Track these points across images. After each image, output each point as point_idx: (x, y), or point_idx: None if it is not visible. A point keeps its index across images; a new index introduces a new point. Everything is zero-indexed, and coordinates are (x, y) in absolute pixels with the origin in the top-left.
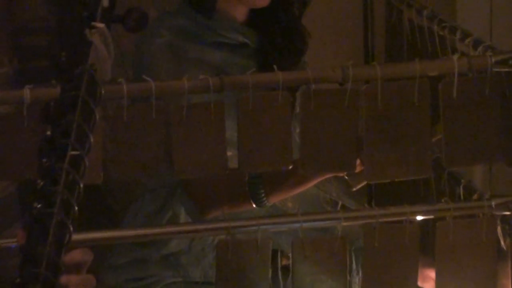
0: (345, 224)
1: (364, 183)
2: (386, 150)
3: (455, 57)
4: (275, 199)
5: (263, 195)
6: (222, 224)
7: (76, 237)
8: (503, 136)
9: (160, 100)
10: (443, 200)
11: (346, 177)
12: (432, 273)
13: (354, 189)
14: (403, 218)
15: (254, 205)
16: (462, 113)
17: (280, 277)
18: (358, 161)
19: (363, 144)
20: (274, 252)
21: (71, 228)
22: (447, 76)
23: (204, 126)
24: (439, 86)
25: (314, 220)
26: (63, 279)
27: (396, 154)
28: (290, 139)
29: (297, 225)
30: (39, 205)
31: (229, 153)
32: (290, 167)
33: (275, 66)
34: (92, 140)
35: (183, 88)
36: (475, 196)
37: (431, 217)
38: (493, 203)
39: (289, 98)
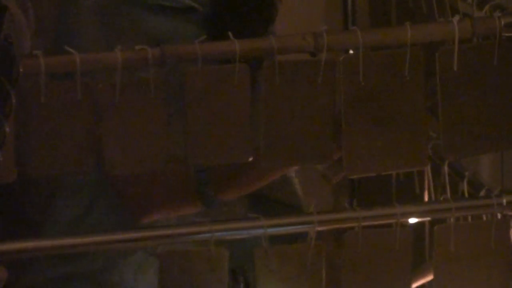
0: (320, 229)
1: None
2: (370, 136)
3: (456, 19)
4: (226, 198)
5: (212, 193)
6: (165, 231)
7: None
8: None
9: (87, 77)
10: (442, 198)
11: (320, 168)
12: None
13: (334, 182)
14: (393, 220)
15: (202, 206)
16: (464, 90)
17: None
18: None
19: (342, 129)
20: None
21: None
22: (445, 44)
23: (141, 109)
24: (436, 56)
25: (282, 225)
26: None
27: (383, 141)
28: (250, 124)
29: (260, 231)
30: None
31: None
32: (250, 159)
33: (230, 33)
34: (7, 130)
35: (115, 61)
36: (482, 193)
37: (428, 219)
38: (504, 201)
39: (249, 72)
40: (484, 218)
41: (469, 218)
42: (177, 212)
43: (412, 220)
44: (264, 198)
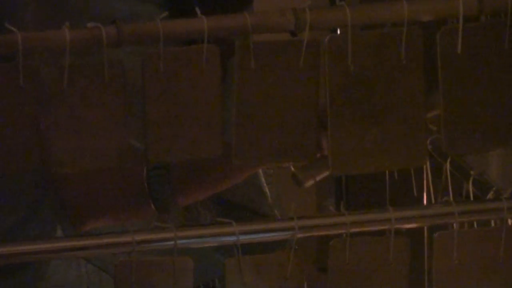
0: (301, 236)
1: (322, 176)
2: (360, 129)
3: None
4: (187, 201)
5: (169, 195)
6: (122, 238)
7: None
8: None
9: (31, 61)
10: (443, 201)
11: (293, 169)
12: None
13: (305, 186)
14: (386, 227)
15: (155, 210)
16: (469, 76)
17: None
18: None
19: (327, 121)
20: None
21: None
22: (448, 22)
23: (94, 97)
24: (437, 36)
25: (257, 232)
26: None
27: (375, 135)
28: (220, 114)
29: (232, 238)
30: None
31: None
32: (218, 154)
33: (197, 9)
34: None
35: (63, 42)
36: (490, 195)
37: (427, 225)
38: None
39: (219, 55)
40: (493, 224)
41: (475, 224)
42: (127, 218)
43: (409, 227)
44: (227, 203)
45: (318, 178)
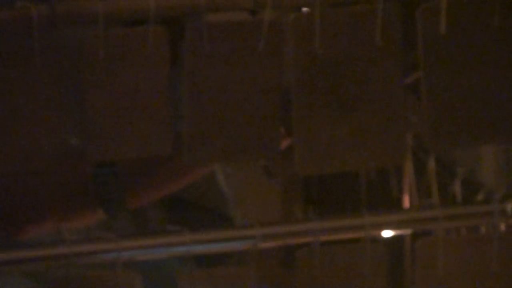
0: (264, 246)
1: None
2: (330, 122)
3: None
4: (137, 203)
5: (117, 196)
6: (57, 250)
7: None
8: None
9: None
10: (426, 204)
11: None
12: None
13: (279, 179)
14: (361, 234)
15: (103, 215)
16: (455, 61)
17: None
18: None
19: (292, 112)
20: None
21: None
22: None
23: (24, 88)
24: (417, 13)
25: (213, 241)
26: None
27: (348, 128)
28: (169, 105)
29: (183, 249)
30: None
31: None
32: (168, 151)
33: None
34: None
35: None
36: (479, 197)
37: (408, 231)
38: (509, 208)
39: (167, 37)
40: (483, 230)
41: (463, 231)
42: (69, 223)
43: (388, 233)
44: (182, 204)
45: (288, 175)
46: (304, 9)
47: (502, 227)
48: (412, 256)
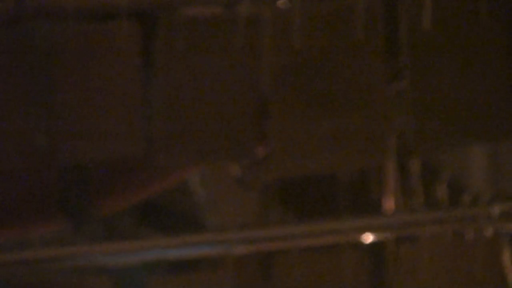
0: (240, 251)
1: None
2: (309, 122)
3: None
4: (108, 210)
5: (86, 203)
6: (23, 255)
7: None
8: None
9: None
10: (410, 207)
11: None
12: None
13: (253, 189)
14: (341, 239)
15: (68, 222)
16: (440, 57)
17: None
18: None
19: (269, 112)
20: None
21: None
22: None
23: None
24: (399, 8)
25: (185, 245)
26: None
27: (327, 129)
28: (141, 105)
29: (157, 254)
30: None
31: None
32: (140, 153)
33: None
34: None
35: None
36: (465, 200)
37: (391, 236)
38: (496, 211)
39: (139, 33)
40: (469, 235)
41: (448, 235)
42: (32, 230)
43: (368, 239)
44: (157, 210)
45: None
46: (282, 3)
47: (488, 231)
48: (394, 262)
